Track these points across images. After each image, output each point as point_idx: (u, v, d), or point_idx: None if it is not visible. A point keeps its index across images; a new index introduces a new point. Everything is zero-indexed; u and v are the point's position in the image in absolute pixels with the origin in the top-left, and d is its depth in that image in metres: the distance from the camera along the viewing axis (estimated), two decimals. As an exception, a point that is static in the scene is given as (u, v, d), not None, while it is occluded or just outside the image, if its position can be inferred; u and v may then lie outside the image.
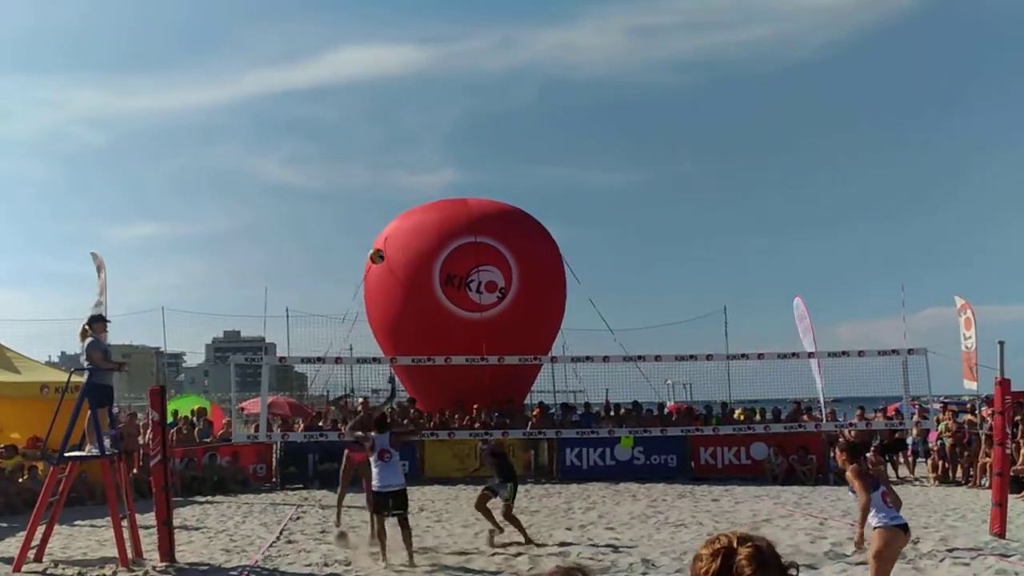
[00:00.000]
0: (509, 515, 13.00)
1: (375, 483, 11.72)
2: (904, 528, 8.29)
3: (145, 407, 17.05)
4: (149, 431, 14.71)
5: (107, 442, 11.81)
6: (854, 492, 8.46)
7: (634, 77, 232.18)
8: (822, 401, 23.00)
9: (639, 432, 21.93)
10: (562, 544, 12.78)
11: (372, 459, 11.79)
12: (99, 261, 21.71)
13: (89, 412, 11.77)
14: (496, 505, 13.19)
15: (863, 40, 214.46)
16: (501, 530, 12.92)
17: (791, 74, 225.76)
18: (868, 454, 21.40)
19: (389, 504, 11.51)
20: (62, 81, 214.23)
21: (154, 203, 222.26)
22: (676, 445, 22.30)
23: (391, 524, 11.53)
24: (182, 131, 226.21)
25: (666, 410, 26.70)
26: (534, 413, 23.72)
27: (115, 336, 25.70)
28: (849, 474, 8.47)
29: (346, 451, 14.71)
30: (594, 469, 22.09)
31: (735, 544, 2.19)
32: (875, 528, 8.25)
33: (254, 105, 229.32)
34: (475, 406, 22.54)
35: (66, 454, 11.91)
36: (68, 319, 48.54)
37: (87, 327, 12.08)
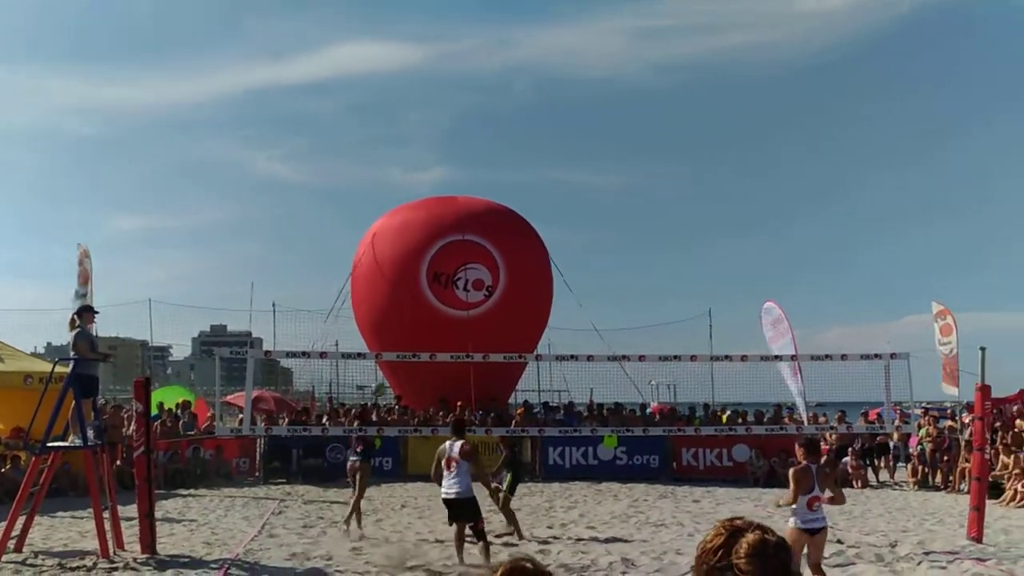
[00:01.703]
0: (506, 507, 13.22)
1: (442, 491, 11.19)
2: (811, 532, 8.62)
3: (130, 399, 17.06)
4: (133, 423, 14.71)
5: (91, 433, 11.83)
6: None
7: (629, 79, 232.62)
8: (801, 404, 23.11)
9: (622, 432, 22.03)
10: (544, 542, 12.83)
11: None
12: (83, 251, 21.71)
13: (73, 402, 11.78)
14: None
15: (859, 45, 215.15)
16: (521, 536, 13.01)
17: (786, 78, 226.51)
18: (847, 458, 21.61)
19: (452, 513, 11.05)
20: (53, 71, 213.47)
21: (144, 195, 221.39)
22: (658, 446, 22.41)
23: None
24: (174, 124, 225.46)
25: (648, 411, 26.81)
26: (518, 412, 23.78)
27: (102, 328, 25.66)
28: (792, 472, 8.77)
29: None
30: (576, 468, 22.18)
31: (750, 528, 2.15)
32: (788, 528, 8.56)
33: (248, 99, 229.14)
34: (459, 403, 22.60)
35: (49, 444, 11.90)
36: (55, 309, 48.46)
37: (76, 317, 12.10)
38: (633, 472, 22.00)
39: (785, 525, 8.59)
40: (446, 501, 10.98)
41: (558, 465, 22.26)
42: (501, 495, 13.23)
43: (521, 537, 12.96)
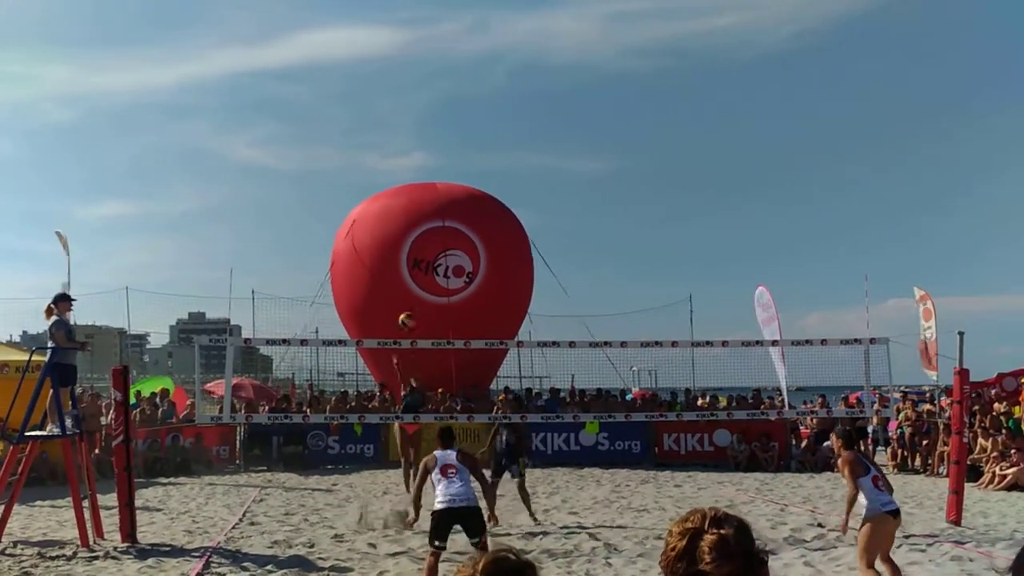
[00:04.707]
0: (522, 489, 13.55)
1: (437, 499, 9.17)
2: (894, 513, 8.33)
3: (108, 387, 16.92)
4: (112, 411, 14.59)
5: (69, 422, 11.71)
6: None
7: (607, 64, 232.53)
8: (784, 389, 23.19)
9: (604, 418, 22.06)
10: (527, 529, 12.82)
11: (433, 475, 9.37)
12: (63, 240, 21.52)
13: (51, 391, 11.66)
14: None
15: (833, 29, 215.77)
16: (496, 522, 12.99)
17: (761, 62, 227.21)
18: (828, 442, 21.69)
19: (450, 527, 9.05)
20: (31, 56, 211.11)
21: (121, 182, 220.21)
22: (640, 431, 22.47)
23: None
24: (151, 109, 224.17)
25: (629, 396, 26.84)
26: (500, 398, 23.75)
27: (79, 316, 25.46)
28: (840, 462, 8.57)
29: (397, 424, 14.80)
30: (559, 454, 22.21)
31: (705, 526, 2.14)
32: (865, 517, 8.28)
33: (225, 84, 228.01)
34: (439, 390, 22.54)
35: (27, 433, 11.79)
36: (31, 298, 48.00)
37: (52, 305, 11.97)
38: (615, 457, 22.04)
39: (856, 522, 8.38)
40: (449, 512, 8.99)
41: (540, 451, 22.26)
42: (516, 480, 13.58)
43: (534, 519, 13.19)
